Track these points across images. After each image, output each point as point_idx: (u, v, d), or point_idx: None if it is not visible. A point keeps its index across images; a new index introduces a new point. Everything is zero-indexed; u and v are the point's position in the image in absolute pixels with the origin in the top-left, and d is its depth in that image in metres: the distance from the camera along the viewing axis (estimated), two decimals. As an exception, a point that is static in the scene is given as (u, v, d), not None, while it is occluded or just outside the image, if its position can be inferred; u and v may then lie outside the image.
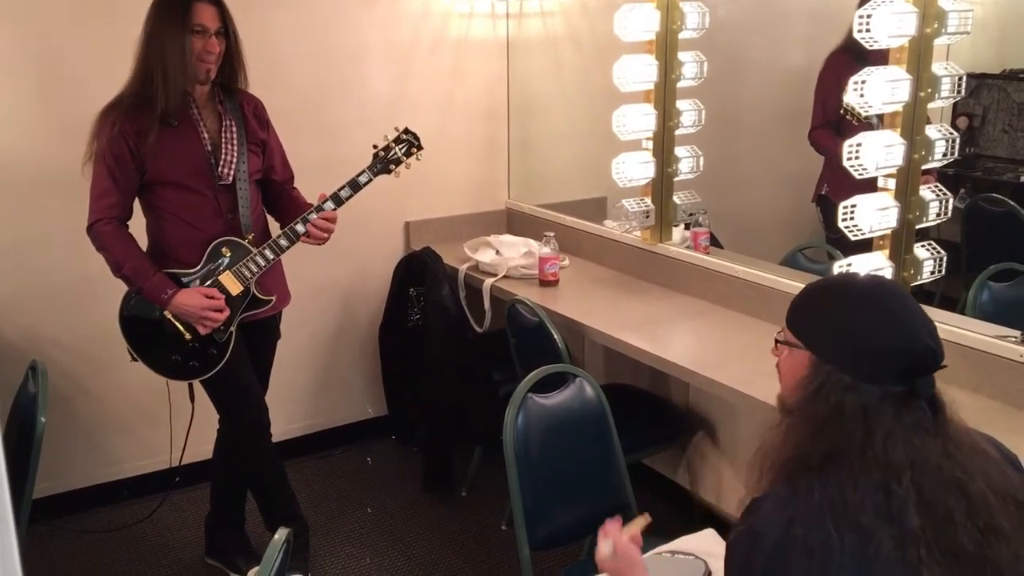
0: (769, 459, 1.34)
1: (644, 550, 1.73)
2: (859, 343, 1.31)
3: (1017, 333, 2.36)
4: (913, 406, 1.28)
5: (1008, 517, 1.26)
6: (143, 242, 2.71)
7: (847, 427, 1.28)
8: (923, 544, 1.22)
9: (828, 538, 1.21)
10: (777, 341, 1.42)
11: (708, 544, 1.95)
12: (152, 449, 3.45)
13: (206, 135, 2.63)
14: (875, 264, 2.55)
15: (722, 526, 2.02)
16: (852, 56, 3.12)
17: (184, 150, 2.61)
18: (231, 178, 2.66)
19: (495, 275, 3.51)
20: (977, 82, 4.04)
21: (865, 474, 1.25)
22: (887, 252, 2.56)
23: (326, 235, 2.72)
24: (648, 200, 3.34)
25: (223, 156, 2.64)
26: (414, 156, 2.81)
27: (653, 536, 1.97)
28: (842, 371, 1.30)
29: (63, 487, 3.36)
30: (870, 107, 2.38)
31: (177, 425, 3.02)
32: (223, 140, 2.65)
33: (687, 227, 3.38)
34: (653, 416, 3.17)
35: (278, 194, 2.87)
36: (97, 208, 2.60)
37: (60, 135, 3.07)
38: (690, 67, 3.16)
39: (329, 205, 2.70)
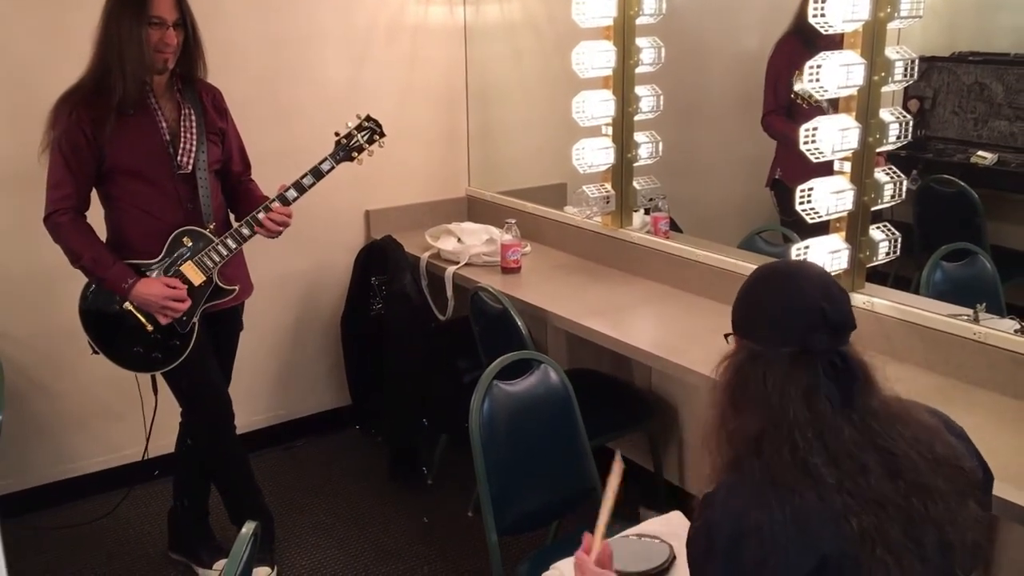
0: (712, 441, 1.40)
1: (611, 533, 1.75)
2: (760, 311, 1.40)
3: (970, 311, 2.42)
4: (809, 365, 1.33)
5: (944, 478, 1.32)
6: (103, 233, 2.67)
7: (752, 391, 1.35)
8: (845, 493, 1.27)
9: (771, 511, 1.26)
10: (727, 337, 1.49)
11: (674, 526, 1.97)
12: (112, 444, 3.41)
13: (164, 124, 2.60)
14: (832, 246, 2.59)
15: (688, 507, 2.05)
16: (802, 41, 3.16)
17: (142, 139, 2.57)
18: (190, 167, 2.63)
19: (457, 263, 3.50)
20: (927, 65, 4.11)
21: (777, 435, 1.31)
22: (843, 234, 2.60)
23: (281, 228, 2.71)
24: (608, 186, 3.35)
25: (182, 145, 2.62)
26: (376, 143, 2.80)
27: (619, 520, 1.99)
28: (750, 340, 1.39)
29: (21, 485, 3.31)
30: (825, 92, 2.42)
31: (145, 419, 2.98)
32: (182, 129, 2.62)
33: (647, 212, 3.41)
34: (617, 400, 3.20)
35: (234, 186, 2.85)
36: (53, 199, 2.56)
37: (12, 124, 3.01)
38: (648, 53, 3.18)
39: (292, 193, 2.68)
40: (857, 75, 2.42)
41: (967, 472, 1.36)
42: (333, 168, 2.73)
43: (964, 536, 1.31)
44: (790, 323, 1.35)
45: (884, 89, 2.47)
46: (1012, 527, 2.19)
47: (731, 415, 1.37)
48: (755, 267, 1.51)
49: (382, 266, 3.60)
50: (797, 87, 3.30)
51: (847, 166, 2.54)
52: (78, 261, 2.58)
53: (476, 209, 4.08)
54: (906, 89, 3.99)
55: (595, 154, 3.27)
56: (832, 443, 1.30)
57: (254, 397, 3.70)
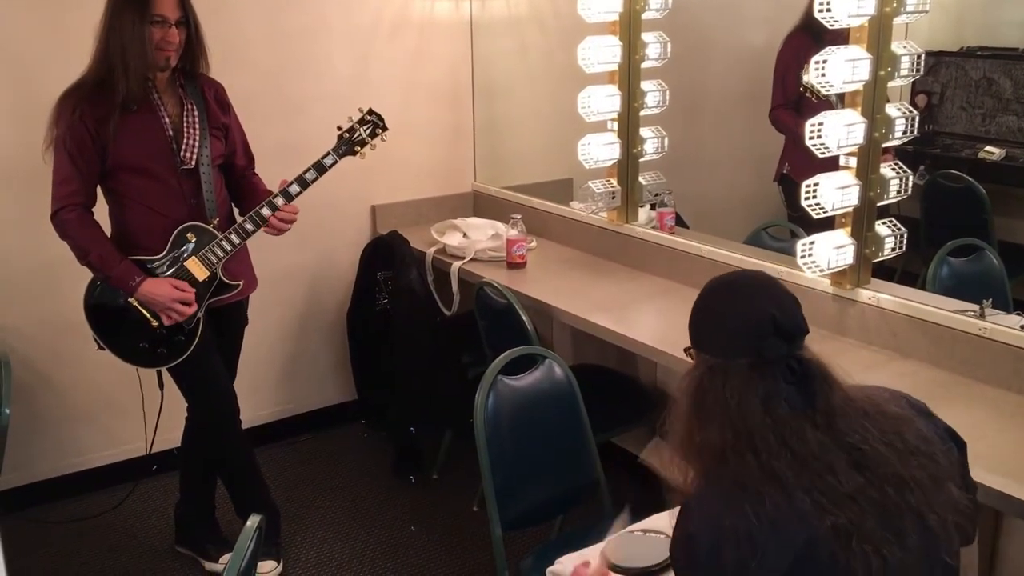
0: (681, 454, 1.42)
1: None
2: (713, 322, 1.42)
3: (976, 307, 2.41)
4: (766, 374, 1.34)
5: (918, 466, 1.33)
6: (107, 228, 2.67)
7: (713, 402, 1.36)
8: (815, 492, 1.28)
9: (745, 515, 1.27)
10: (687, 351, 1.49)
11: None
12: (119, 438, 3.42)
13: (167, 120, 2.60)
14: (837, 241, 2.58)
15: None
16: (811, 35, 3.16)
17: (145, 135, 2.58)
18: (194, 163, 2.64)
19: (463, 258, 3.51)
20: (935, 60, 4.10)
21: (740, 443, 1.32)
22: (849, 230, 2.59)
23: (288, 226, 2.72)
24: (614, 181, 3.35)
25: (185, 140, 2.62)
26: (379, 137, 2.81)
27: (624, 514, 2.00)
28: (707, 354, 1.40)
29: (28, 479, 3.32)
30: (831, 86, 2.41)
31: (149, 414, 2.99)
32: (184, 124, 2.63)
33: (653, 208, 3.40)
34: (622, 395, 3.20)
35: (238, 180, 2.85)
36: (60, 195, 2.56)
37: (16, 120, 3.02)
38: (654, 48, 3.17)
39: (295, 188, 2.69)
40: (863, 70, 2.42)
41: (940, 457, 1.37)
42: (336, 162, 2.73)
43: (945, 520, 1.32)
44: (743, 334, 1.36)
45: (890, 84, 2.47)
46: (1015, 522, 2.19)
47: (696, 428, 1.38)
48: (756, 265, 1.51)
49: (388, 261, 3.60)
50: (807, 80, 3.30)
51: (853, 161, 2.53)
52: (85, 258, 2.58)
53: (482, 204, 4.08)
54: (914, 84, 3.99)
55: (600, 149, 3.27)
56: (796, 446, 1.30)
57: (259, 392, 3.71)
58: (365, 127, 2.78)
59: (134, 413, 3.02)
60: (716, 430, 1.35)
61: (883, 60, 2.43)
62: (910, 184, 2.57)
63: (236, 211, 2.84)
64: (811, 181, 2.50)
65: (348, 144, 2.76)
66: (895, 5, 2.38)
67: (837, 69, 2.38)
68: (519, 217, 3.46)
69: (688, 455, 1.40)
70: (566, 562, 1.81)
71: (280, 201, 2.68)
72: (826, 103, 2.80)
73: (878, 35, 2.41)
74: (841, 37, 2.45)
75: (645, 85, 3.22)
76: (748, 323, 1.36)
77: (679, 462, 1.42)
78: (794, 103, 3.48)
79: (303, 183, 2.70)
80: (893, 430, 1.35)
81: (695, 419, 1.38)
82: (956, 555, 1.35)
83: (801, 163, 3.31)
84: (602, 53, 3.15)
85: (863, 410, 1.36)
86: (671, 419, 1.43)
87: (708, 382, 1.37)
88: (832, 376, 1.37)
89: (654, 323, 3.00)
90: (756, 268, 2.25)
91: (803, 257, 2.58)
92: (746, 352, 1.35)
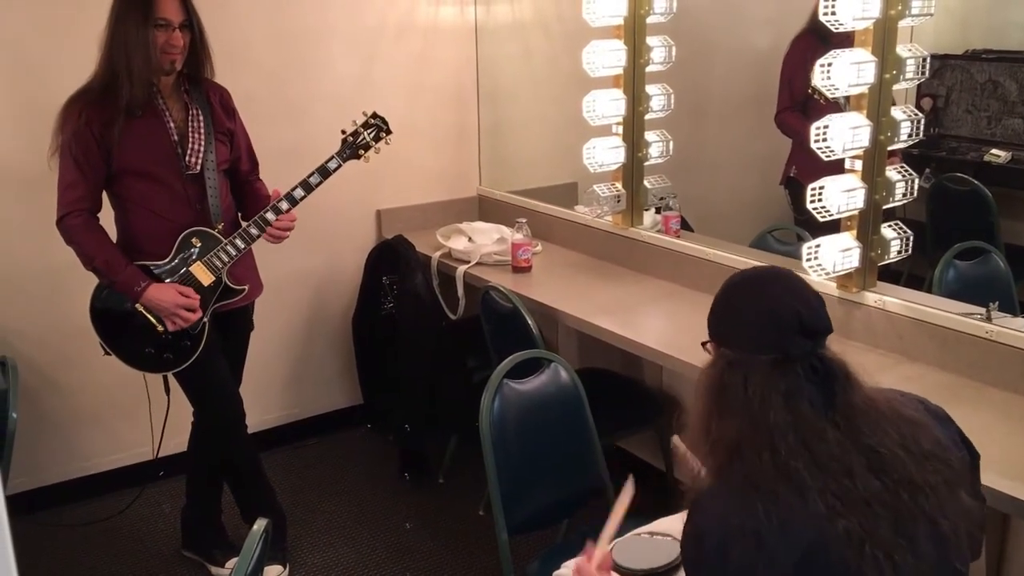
0: (697, 450, 1.41)
1: (623, 532, 1.76)
2: (735, 318, 1.41)
3: (982, 310, 2.40)
4: (788, 371, 1.33)
5: (932, 472, 1.32)
6: (113, 234, 2.68)
7: (732, 398, 1.35)
8: (830, 495, 1.27)
9: (755, 513, 1.27)
10: (704, 345, 1.49)
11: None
12: (126, 443, 3.42)
13: (172, 125, 2.61)
14: (843, 244, 2.58)
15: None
16: (817, 38, 3.16)
17: (150, 140, 2.58)
18: (199, 167, 2.64)
19: (468, 262, 3.51)
20: (940, 63, 4.10)
21: (757, 440, 1.31)
22: (855, 233, 2.59)
23: (287, 234, 2.73)
24: (619, 185, 3.35)
25: (190, 145, 2.63)
26: (383, 141, 2.81)
27: (631, 517, 1.99)
28: (728, 348, 1.40)
29: (35, 483, 3.33)
30: (836, 89, 2.41)
31: (155, 418, 2.99)
32: (190, 129, 2.63)
33: (658, 211, 3.40)
34: (628, 399, 3.20)
35: (242, 185, 2.86)
36: (66, 201, 2.57)
37: (23, 126, 3.03)
38: (658, 51, 3.17)
39: (299, 192, 2.69)
40: (868, 73, 2.42)
41: (955, 463, 1.37)
42: (340, 166, 2.73)
43: (957, 527, 1.32)
44: (767, 330, 1.36)
45: (896, 87, 2.47)
46: (1023, 525, 2.18)
47: (714, 423, 1.37)
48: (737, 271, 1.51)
49: (393, 265, 3.61)
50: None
51: (858, 164, 2.53)
52: (90, 263, 2.59)
53: (487, 208, 4.09)
54: (919, 87, 3.98)
55: (606, 153, 3.27)
56: (816, 447, 1.30)
57: (266, 397, 3.71)
58: (369, 131, 2.78)
59: (141, 417, 3.02)
60: (734, 425, 1.34)
61: (888, 63, 2.43)
62: (916, 187, 2.57)
63: (240, 217, 2.84)
64: (816, 184, 2.50)
65: (352, 148, 2.76)
66: (900, 8, 2.38)
67: (842, 72, 2.38)
68: (524, 221, 3.46)
69: (704, 451, 1.39)
70: (572, 566, 1.81)
71: (284, 205, 2.69)
72: (834, 105, 2.80)
73: (883, 38, 2.41)
74: (847, 40, 2.46)
75: (650, 89, 3.22)
76: (773, 320, 1.36)
77: (694, 457, 1.42)
78: (801, 106, 3.47)
79: (307, 187, 2.70)
80: (910, 434, 1.35)
81: (714, 414, 1.38)
82: (967, 562, 1.35)
83: (808, 166, 3.31)
84: (607, 57, 3.16)
85: (882, 412, 1.36)
86: (689, 414, 1.43)
87: (728, 377, 1.36)
88: (853, 376, 1.37)
89: (660, 326, 3.00)
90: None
91: (809, 260, 2.58)
92: (769, 349, 1.34)
